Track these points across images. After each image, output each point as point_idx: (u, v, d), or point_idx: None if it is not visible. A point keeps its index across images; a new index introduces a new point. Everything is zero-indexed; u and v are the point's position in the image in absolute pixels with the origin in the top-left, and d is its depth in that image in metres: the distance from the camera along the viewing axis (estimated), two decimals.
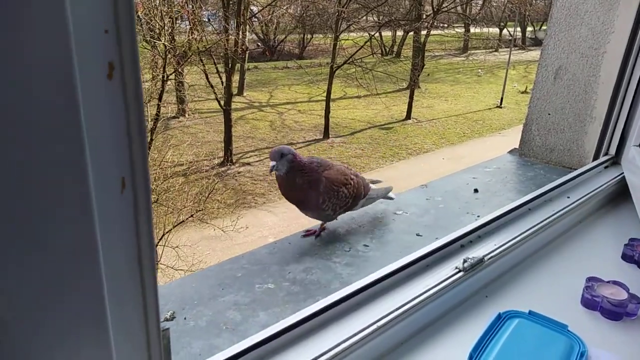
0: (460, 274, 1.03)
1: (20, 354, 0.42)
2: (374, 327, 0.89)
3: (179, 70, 9.75)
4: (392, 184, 1.48)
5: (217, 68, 11.70)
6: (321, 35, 19.87)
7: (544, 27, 29.42)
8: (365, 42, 14.84)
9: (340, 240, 1.30)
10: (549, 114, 1.94)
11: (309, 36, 22.49)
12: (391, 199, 1.47)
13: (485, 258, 1.08)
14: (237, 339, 0.86)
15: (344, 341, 0.86)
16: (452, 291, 1.03)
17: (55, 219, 0.41)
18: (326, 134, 12.71)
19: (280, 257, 1.21)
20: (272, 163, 1.22)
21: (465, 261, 1.05)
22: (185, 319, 0.97)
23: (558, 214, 1.32)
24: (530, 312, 0.98)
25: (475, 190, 1.63)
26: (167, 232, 6.97)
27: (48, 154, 0.39)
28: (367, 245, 1.27)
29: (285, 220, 8.26)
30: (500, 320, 0.97)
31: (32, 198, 0.39)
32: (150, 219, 0.50)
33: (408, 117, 14.65)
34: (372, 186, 1.42)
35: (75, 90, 0.39)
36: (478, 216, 1.43)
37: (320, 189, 1.25)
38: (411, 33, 17.29)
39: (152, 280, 0.52)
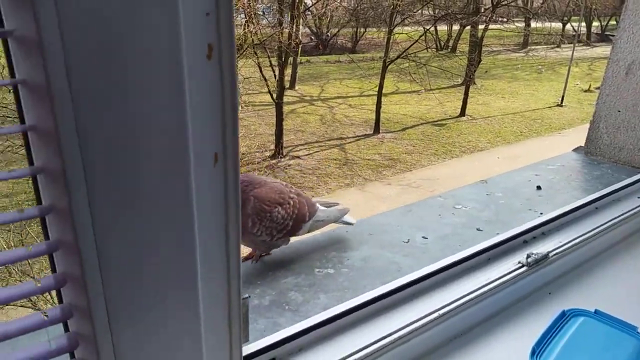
0: (524, 269, 1.02)
1: (123, 310, 0.47)
2: (433, 316, 0.90)
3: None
4: (444, 182, 1.47)
5: (270, 61, 11.86)
6: (374, 29, 19.70)
7: (612, 22, 27.79)
8: (420, 37, 14.58)
9: (398, 231, 1.30)
10: (619, 111, 1.85)
11: (362, 30, 22.35)
12: (350, 224, 1.28)
13: (550, 254, 1.06)
14: (298, 319, 0.89)
15: (402, 328, 0.87)
16: (514, 286, 1.02)
17: (160, 188, 0.45)
18: (377, 129, 12.62)
19: (339, 245, 1.23)
20: None
21: (529, 256, 1.03)
22: (249, 297, 1.01)
23: (627, 214, 1.27)
24: (596, 312, 0.96)
25: (538, 187, 1.59)
26: None
27: (157, 126, 0.43)
28: (426, 238, 1.27)
29: (369, 199, 8.36)
30: (564, 317, 0.94)
31: (143, 169, 0.43)
32: (237, 193, 0.53)
33: (462, 114, 14.29)
34: (321, 208, 1.22)
35: (182, 69, 0.43)
36: (541, 213, 1.39)
37: (247, 211, 1.07)
38: (468, 27, 16.81)
39: (236, 249, 0.56)
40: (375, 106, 12.83)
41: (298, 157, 11.16)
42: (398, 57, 13.58)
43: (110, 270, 0.44)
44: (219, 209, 0.53)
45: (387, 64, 13.25)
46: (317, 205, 1.22)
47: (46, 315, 0.44)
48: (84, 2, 0.36)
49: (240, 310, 0.59)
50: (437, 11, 17.19)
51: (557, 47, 25.70)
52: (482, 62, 16.90)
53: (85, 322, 0.45)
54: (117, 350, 0.48)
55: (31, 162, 0.41)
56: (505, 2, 16.30)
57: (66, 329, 0.48)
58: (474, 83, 16.25)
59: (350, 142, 11.86)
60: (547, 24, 26.39)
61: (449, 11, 16.88)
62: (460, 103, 14.44)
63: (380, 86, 13.06)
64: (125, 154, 0.41)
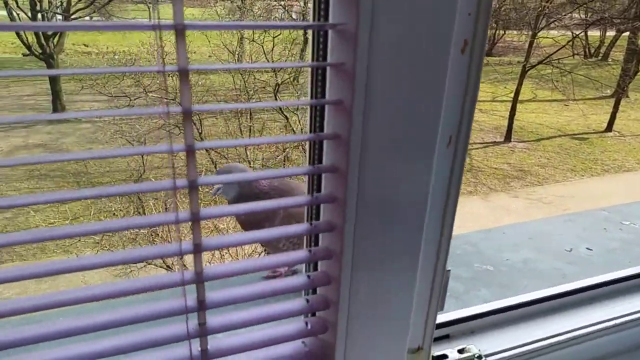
0: None
1: (365, 259, 0.56)
2: (608, 324, 0.88)
3: None
4: (580, 202, 1.40)
5: None
6: (515, 32, 18.55)
7: None
8: (568, 42, 13.43)
9: (559, 239, 1.28)
10: None
11: (501, 32, 21.18)
12: None
13: None
14: (460, 306, 0.94)
15: (573, 331, 0.87)
16: None
17: (407, 167, 0.53)
18: (508, 137, 11.94)
19: (496, 244, 1.25)
20: (217, 185, 1.03)
21: None
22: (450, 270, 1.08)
23: None
24: None
25: None
26: None
27: (420, 109, 0.51)
28: (590, 249, 1.23)
29: (493, 210, 8.09)
30: None
31: (403, 144, 0.51)
32: (460, 175, 0.60)
33: (609, 128, 12.90)
34: None
35: (447, 60, 0.50)
36: None
37: (275, 224, 1.01)
38: (626, 33, 15.08)
39: (450, 226, 0.62)
40: (508, 113, 12.14)
41: None
42: (540, 62, 12.67)
43: (364, 223, 0.53)
44: (442, 188, 0.60)
45: (526, 69, 12.45)
46: None
47: (309, 251, 0.55)
48: (390, 3, 0.45)
49: (442, 279, 0.66)
50: (589, 15, 15.66)
51: None
52: (639, 73, 15.06)
53: (335, 264, 0.55)
54: (352, 289, 0.57)
55: (321, 128, 0.51)
56: None
57: (315, 267, 0.59)
58: (627, 96, 14.55)
59: (477, 148, 11.39)
60: None
61: (605, 15, 15.27)
62: (608, 117, 13.04)
63: (517, 92, 12.31)
64: (395, 124, 0.50)
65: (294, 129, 7.26)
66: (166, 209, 6.54)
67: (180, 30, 0.40)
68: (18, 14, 10.08)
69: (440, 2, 0.47)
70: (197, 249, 0.48)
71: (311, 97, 0.52)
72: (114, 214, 7.01)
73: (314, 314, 0.61)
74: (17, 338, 0.45)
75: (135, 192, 0.46)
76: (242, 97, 7.64)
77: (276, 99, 7.31)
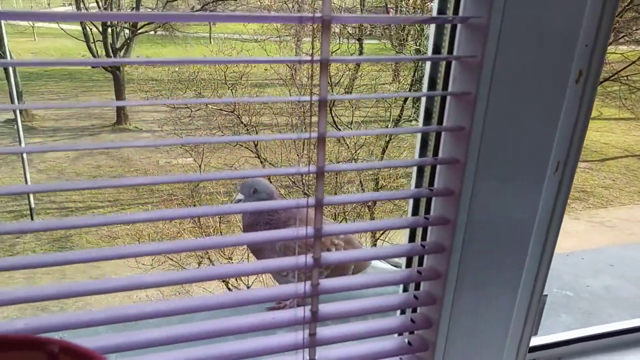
0: None
1: (469, 279, 0.57)
2: None
3: None
4: None
5: None
6: None
7: None
8: (639, 58, 12.78)
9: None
10: None
11: None
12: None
13: None
14: (541, 331, 0.92)
15: None
16: None
17: (524, 187, 0.54)
18: None
19: (575, 269, 1.22)
20: (240, 197, 0.99)
21: None
22: (547, 295, 1.07)
23: None
24: None
25: None
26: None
27: (535, 136, 0.52)
28: None
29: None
30: None
31: (521, 166, 0.53)
32: (565, 201, 0.60)
33: None
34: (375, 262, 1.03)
35: (564, 91, 0.51)
36: None
37: (275, 248, 0.96)
38: None
39: (551, 251, 0.62)
40: None
41: None
42: (607, 79, 12.10)
43: (471, 245, 0.55)
44: (546, 213, 0.60)
45: None
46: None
47: (419, 272, 0.57)
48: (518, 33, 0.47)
49: (539, 304, 0.66)
50: None
51: None
52: None
53: (439, 284, 0.57)
54: (453, 310, 0.58)
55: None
56: None
57: (417, 287, 0.61)
58: None
59: None
60: None
61: None
62: None
63: None
64: (510, 149, 0.52)
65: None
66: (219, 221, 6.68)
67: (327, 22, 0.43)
68: (90, 29, 10.75)
69: (564, 34, 0.48)
70: (317, 263, 0.51)
71: (425, 121, 0.55)
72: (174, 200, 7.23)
73: (411, 332, 0.63)
74: (160, 337, 0.49)
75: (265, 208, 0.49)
76: (298, 111, 7.75)
77: (331, 112, 7.40)
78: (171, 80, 9.22)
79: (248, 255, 5.79)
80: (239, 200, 1.00)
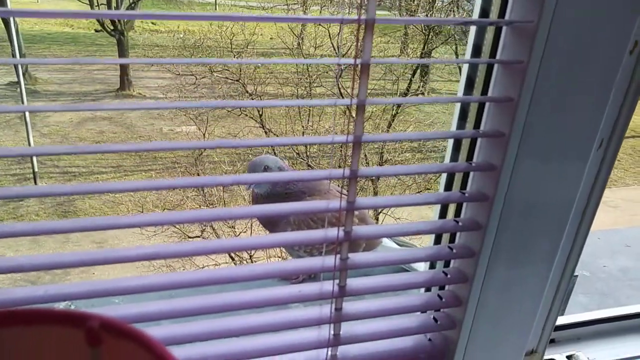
0: None
1: (502, 257, 0.55)
2: None
3: None
4: None
5: None
6: None
7: None
8: None
9: None
10: None
11: None
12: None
13: None
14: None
15: None
16: None
17: (567, 164, 0.51)
18: None
19: (591, 249, 1.20)
20: None
21: None
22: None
23: None
24: None
25: None
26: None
27: (584, 110, 0.49)
28: None
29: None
30: None
31: (567, 142, 0.50)
32: (606, 180, 0.57)
33: None
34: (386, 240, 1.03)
35: (619, 63, 0.48)
36: None
37: (291, 221, 0.94)
38: None
39: (585, 232, 0.60)
40: None
41: None
42: None
43: (507, 222, 0.53)
44: (585, 192, 0.58)
45: None
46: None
47: (450, 248, 0.55)
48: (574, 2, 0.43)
49: (568, 285, 0.64)
50: None
51: None
52: None
53: (471, 262, 0.55)
54: (484, 288, 0.56)
55: (477, 126, 0.51)
56: None
57: (446, 264, 0.59)
58: None
59: None
60: None
61: None
62: None
63: None
64: (557, 124, 0.49)
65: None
66: (223, 191, 6.66)
67: (370, 24, 0.40)
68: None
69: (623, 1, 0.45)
70: (348, 236, 0.49)
71: (466, 91, 0.52)
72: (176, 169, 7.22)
73: (438, 310, 0.61)
74: (178, 309, 0.48)
75: (305, 179, 0.47)
76: (304, 81, 7.66)
77: (338, 83, 7.29)
78: (176, 47, 9.07)
79: (252, 225, 5.80)
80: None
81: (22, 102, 7.86)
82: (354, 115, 0.45)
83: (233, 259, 5.60)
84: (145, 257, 0.45)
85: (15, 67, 8.19)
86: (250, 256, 5.47)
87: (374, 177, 6.54)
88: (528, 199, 0.52)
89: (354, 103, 0.42)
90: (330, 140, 0.45)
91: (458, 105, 0.53)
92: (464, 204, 0.54)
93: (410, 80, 8.14)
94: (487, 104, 0.50)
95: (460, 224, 0.53)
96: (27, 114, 7.42)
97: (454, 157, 0.55)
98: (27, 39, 11.16)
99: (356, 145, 0.45)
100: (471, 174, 0.53)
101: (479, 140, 0.51)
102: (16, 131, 8.43)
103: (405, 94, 7.85)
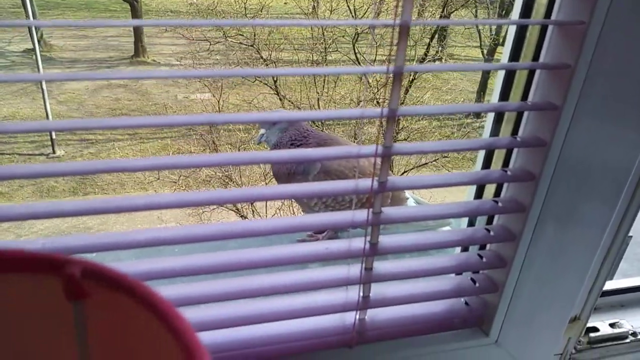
0: None
1: (553, 214, 0.49)
2: None
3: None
4: None
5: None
6: None
7: None
8: None
9: None
10: None
11: None
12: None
13: None
14: None
15: None
16: None
17: (624, 132, 0.44)
18: None
19: None
20: (261, 131, 0.94)
21: None
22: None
23: None
24: None
25: None
26: (405, 172, 7.21)
27: None
28: None
29: None
30: None
31: (623, 108, 0.43)
32: None
33: None
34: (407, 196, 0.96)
35: None
36: None
37: (309, 179, 0.88)
38: None
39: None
40: None
41: None
42: None
43: (564, 171, 0.46)
44: None
45: None
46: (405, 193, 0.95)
47: (495, 202, 0.49)
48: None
49: (621, 246, 0.58)
50: None
51: None
52: None
53: (519, 218, 0.49)
54: (531, 247, 0.51)
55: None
56: None
57: (488, 221, 0.53)
58: None
59: None
60: None
61: None
62: None
63: None
64: (614, 91, 0.42)
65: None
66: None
67: None
68: None
69: None
70: (382, 188, 0.44)
71: (513, 56, 0.45)
72: (191, 152, 7.26)
73: (476, 272, 0.56)
74: (200, 265, 0.43)
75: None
76: (319, 46, 7.49)
77: (354, 48, 7.11)
78: (189, 12, 8.91)
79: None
80: (262, 135, 0.95)
81: (38, 70, 7.85)
82: (384, 86, 0.38)
83: (242, 216, 5.60)
84: (164, 206, 0.40)
85: (30, 33, 8.15)
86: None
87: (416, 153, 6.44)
88: (582, 166, 0.46)
89: (390, 71, 0.36)
90: (360, 115, 0.39)
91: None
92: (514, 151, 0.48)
93: (429, 44, 7.88)
94: (537, 76, 0.43)
95: (509, 173, 0.47)
96: (43, 82, 7.41)
97: (494, 131, 0.49)
98: (41, 5, 11.09)
99: (390, 120, 0.39)
100: (514, 150, 0.46)
101: (525, 113, 0.45)
102: (33, 98, 8.46)
103: (423, 60, 7.62)
